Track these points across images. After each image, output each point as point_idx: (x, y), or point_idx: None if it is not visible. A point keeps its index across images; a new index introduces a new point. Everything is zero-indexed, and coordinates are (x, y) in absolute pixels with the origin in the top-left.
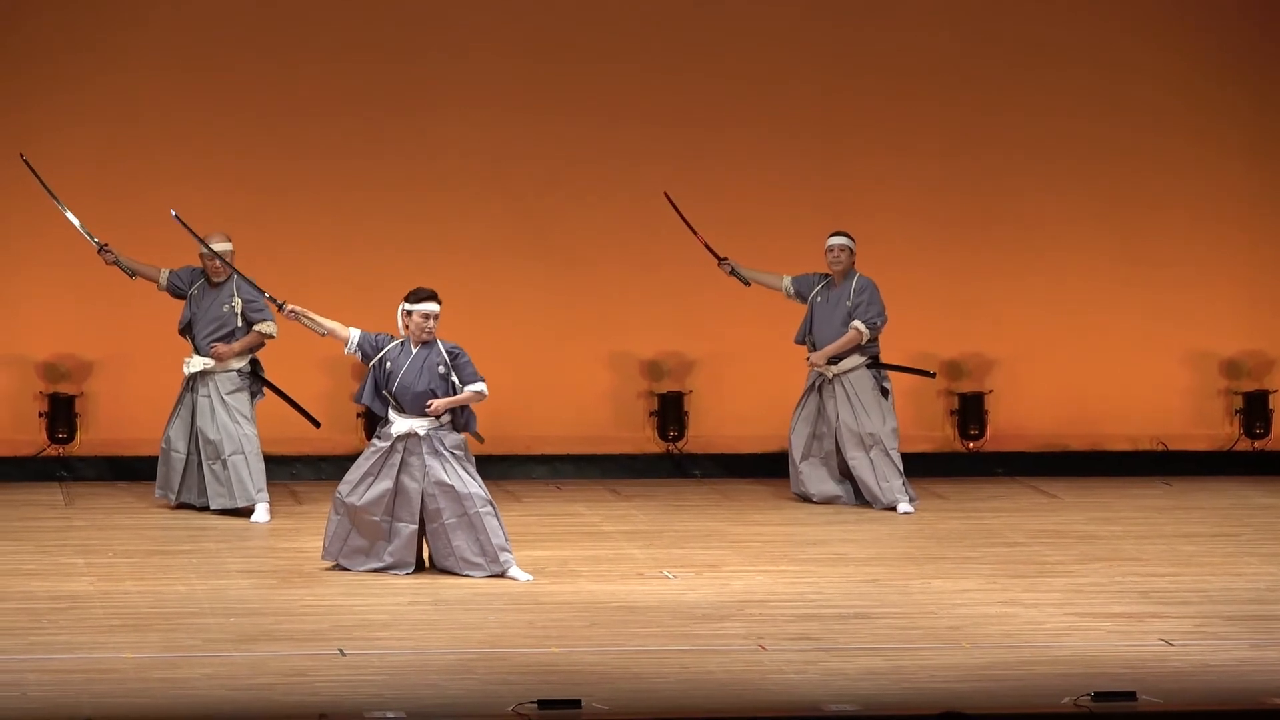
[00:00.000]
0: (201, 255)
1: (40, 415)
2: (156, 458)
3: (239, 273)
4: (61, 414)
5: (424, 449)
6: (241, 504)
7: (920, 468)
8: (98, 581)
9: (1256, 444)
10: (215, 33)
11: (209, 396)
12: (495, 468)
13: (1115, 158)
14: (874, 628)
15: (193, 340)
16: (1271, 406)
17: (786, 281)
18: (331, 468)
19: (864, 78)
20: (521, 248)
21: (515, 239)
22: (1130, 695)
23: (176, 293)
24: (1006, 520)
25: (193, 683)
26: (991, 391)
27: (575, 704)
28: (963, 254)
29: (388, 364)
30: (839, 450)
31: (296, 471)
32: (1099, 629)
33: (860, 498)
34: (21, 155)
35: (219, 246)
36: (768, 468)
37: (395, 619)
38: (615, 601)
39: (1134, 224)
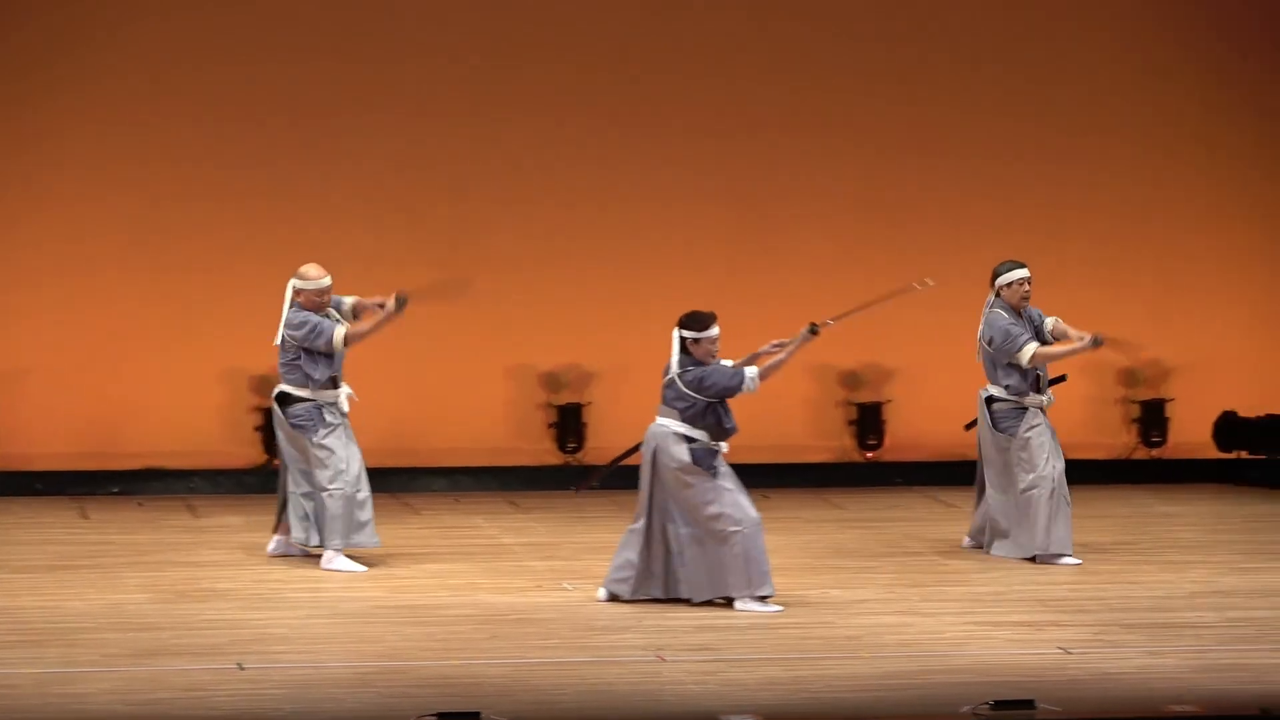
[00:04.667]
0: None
1: None
2: (55, 473)
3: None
4: None
5: None
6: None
7: (818, 478)
8: None
9: (1153, 452)
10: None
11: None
12: (394, 480)
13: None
14: (773, 638)
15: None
16: (1168, 415)
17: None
18: (229, 481)
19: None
20: (420, 259)
21: (415, 249)
22: (1029, 703)
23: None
24: (905, 529)
25: (91, 698)
26: (890, 401)
27: (474, 716)
28: (865, 262)
29: None
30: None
31: (194, 485)
32: (997, 637)
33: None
34: None
35: (320, 283)
36: None
37: (294, 633)
38: (514, 614)
39: (1033, 230)
